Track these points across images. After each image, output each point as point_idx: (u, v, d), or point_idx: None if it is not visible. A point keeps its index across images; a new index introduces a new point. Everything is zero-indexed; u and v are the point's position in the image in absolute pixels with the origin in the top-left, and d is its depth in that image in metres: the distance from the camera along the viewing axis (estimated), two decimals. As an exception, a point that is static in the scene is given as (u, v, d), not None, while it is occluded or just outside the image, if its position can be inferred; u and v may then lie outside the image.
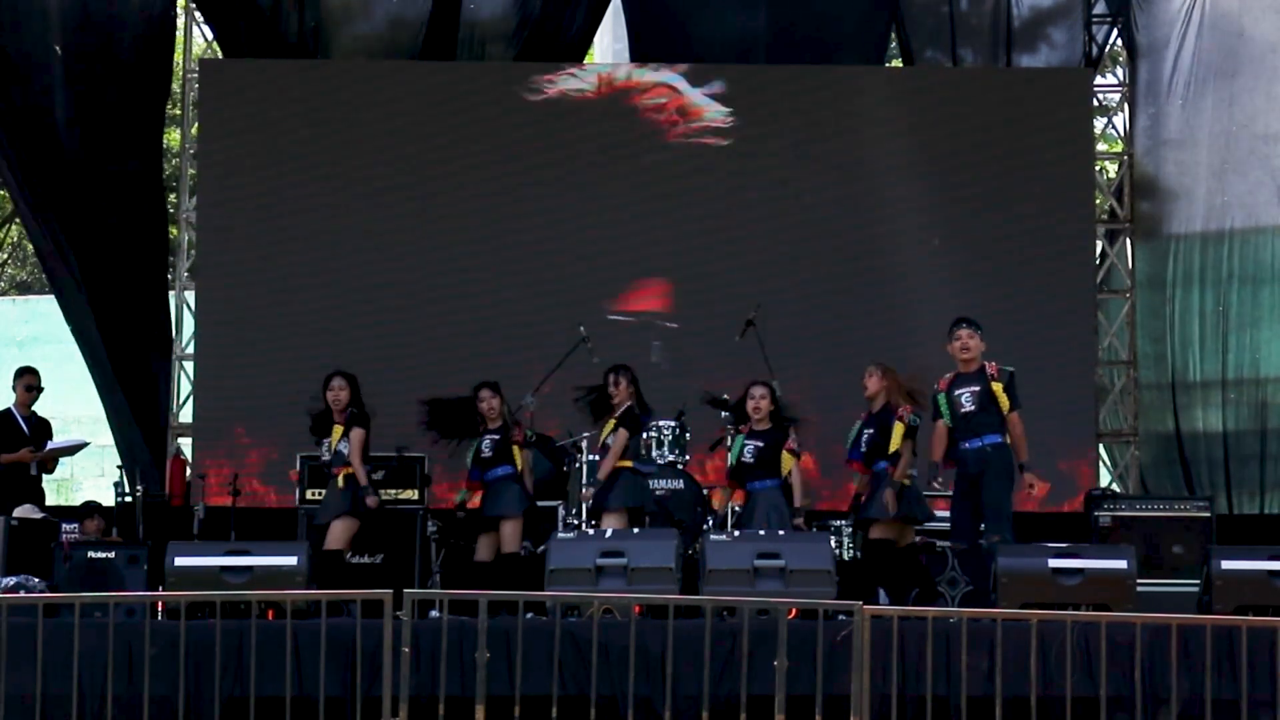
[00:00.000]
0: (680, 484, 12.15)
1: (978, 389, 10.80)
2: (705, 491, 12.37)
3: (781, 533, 10.59)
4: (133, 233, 15.28)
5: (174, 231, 16.83)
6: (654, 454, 12.24)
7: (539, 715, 8.86)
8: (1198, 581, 10.61)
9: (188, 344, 15.40)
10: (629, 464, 11.59)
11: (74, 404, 18.31)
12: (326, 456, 11.69)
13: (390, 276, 15.12)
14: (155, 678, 9.01)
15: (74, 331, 15.36)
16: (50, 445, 12.84)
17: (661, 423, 12.35)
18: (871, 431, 11.29)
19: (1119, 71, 15.68)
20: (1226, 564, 10.06)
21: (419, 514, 12.51)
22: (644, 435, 12.36)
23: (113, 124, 15.12)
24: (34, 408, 12.97)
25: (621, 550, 10.04)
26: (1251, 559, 10.09)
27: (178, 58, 16.77)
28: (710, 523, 11.81)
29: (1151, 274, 15.46)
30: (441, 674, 8.97)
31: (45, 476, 12.98)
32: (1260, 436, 15.02)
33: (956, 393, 10.85)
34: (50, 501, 13.37)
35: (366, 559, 12.41)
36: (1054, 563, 9.92)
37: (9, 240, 25.65)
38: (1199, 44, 15.21)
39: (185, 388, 15.39)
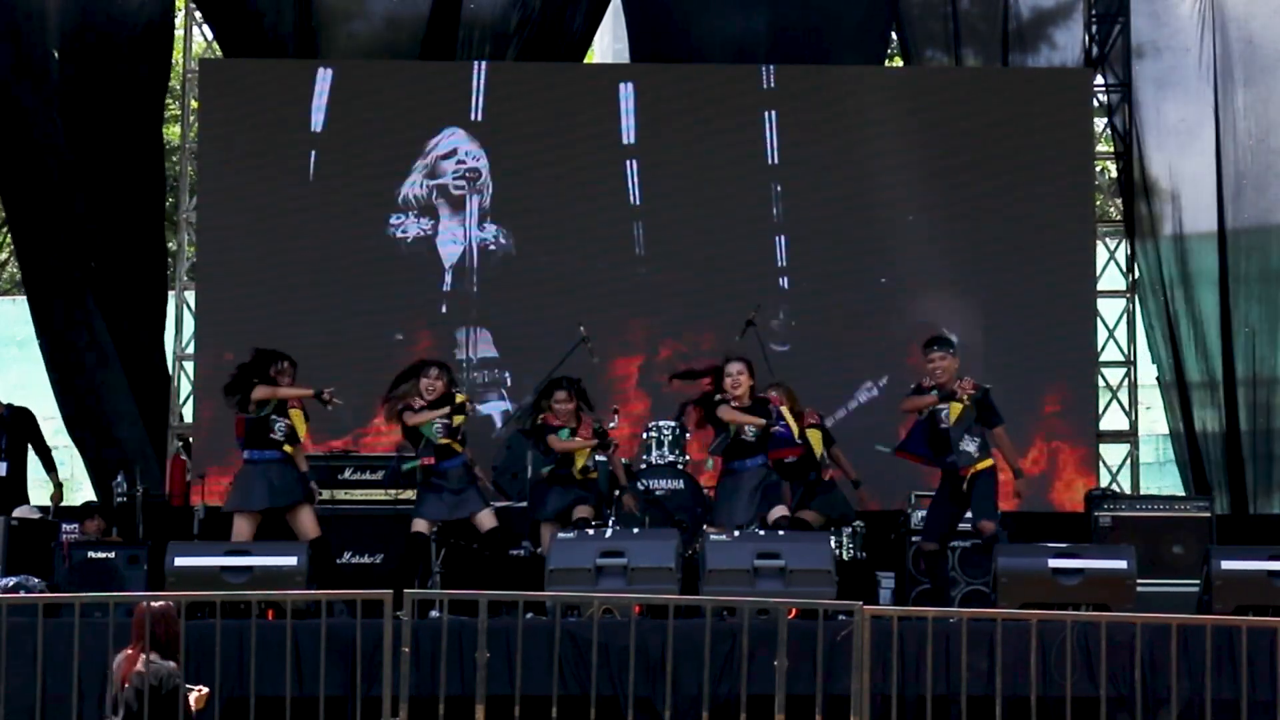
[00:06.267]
0: (680, 484, 12.12)
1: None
2: (706, 491, 12.35)
3: (781, 533, 10.60)
4: (134, 234, 15.28)
5: (173, 232, 16.82)
6: (654, 454, 12.22)
7: (539, 715, 8.86)
8: (1198, 581, 10.61)
9: (188, 344, 15.38)
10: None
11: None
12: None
13: (390, 277, 15.11)
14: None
15: (78, 335, 15.32)
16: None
17: (661, 423, 12.34)
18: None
19: (1119, 71, 15.66)
20: (1226, 564, 10.08)
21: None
22: (643, 435, 12.37)
23: (111, 127, 15.10)
24: (22, 401, 12.94)
25: (621, 550, 10.04)
26: (1251, 559, 10.11)
27: (177, 57, 16.75)
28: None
29: (1151, 274, 15.45)
30: (441, 674, 8.98)
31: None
32: (1258, 436, 15.01)
33: (939, 409, 10.90)
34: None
35: (367, 559, 12.41)
36: (1054, 563, 9.95)
37: (9, 240, 25.59)
38: (1199, 44, 15.19)
39: (185, 388, 15.38)
